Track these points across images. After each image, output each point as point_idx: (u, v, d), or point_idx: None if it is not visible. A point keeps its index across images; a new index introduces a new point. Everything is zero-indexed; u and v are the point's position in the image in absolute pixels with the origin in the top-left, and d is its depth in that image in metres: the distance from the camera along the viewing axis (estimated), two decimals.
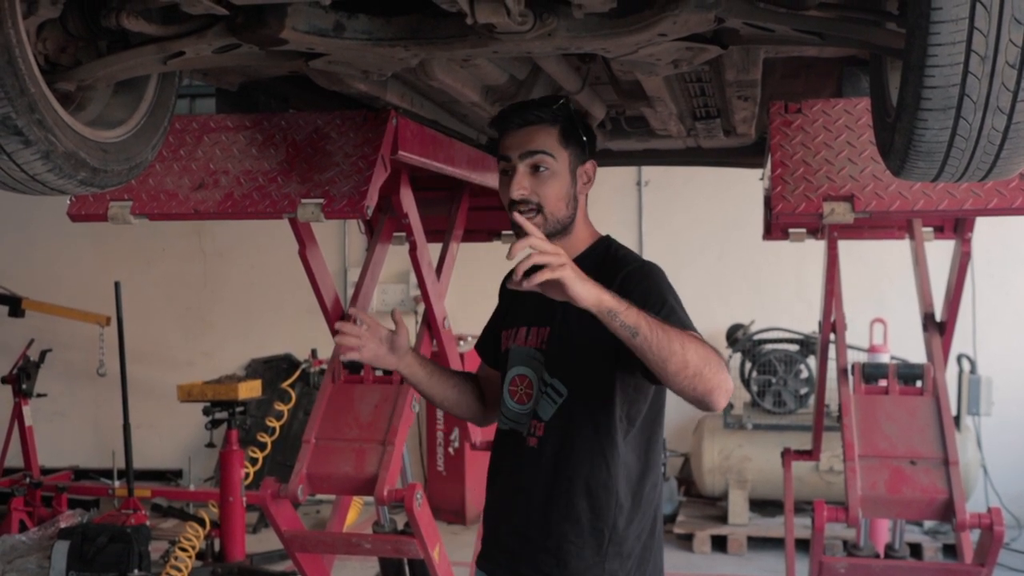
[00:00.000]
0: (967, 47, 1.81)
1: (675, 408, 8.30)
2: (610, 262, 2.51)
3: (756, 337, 7.60)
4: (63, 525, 6.21)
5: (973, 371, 7.25)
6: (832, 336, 4.65)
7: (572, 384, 2.42)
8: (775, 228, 3.91)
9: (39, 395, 8.02)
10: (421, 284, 4.17)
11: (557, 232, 2.47)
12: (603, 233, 2.67)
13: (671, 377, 2.10)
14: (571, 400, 2.41)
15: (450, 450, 8.18)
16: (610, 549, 2.38)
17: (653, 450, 2.50)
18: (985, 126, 1.94)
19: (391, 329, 2.58)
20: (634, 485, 2.43)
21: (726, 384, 2.14)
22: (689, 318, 2.37)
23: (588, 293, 2.03)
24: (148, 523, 6.48)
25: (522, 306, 2.57)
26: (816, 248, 5.10)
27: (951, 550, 6.76)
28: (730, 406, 7.58)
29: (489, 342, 2.79)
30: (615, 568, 2.39)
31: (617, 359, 2.32)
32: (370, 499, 3.81)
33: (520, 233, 2.24)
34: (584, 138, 2.53)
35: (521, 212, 2.41)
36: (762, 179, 4.79)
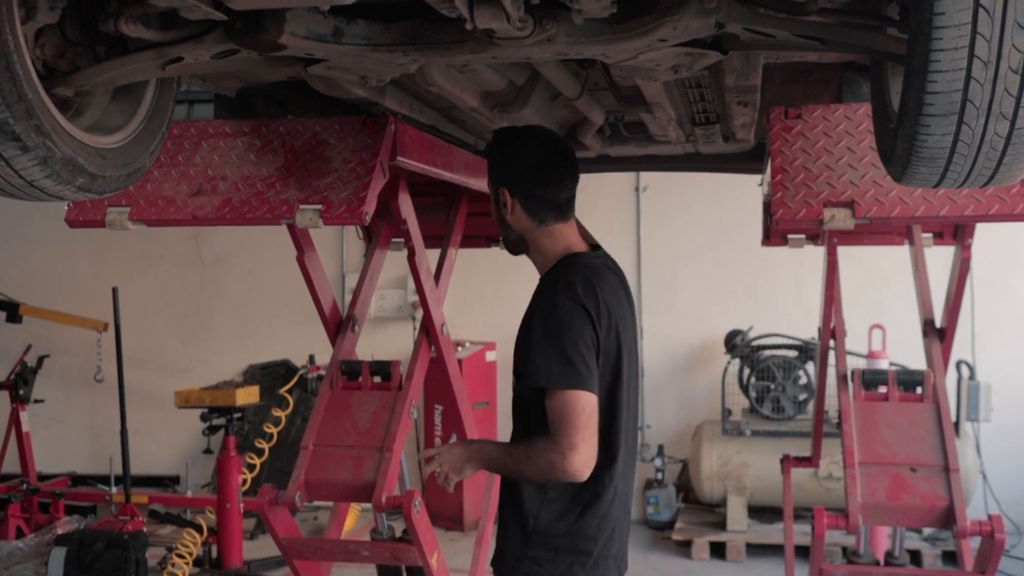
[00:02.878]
0: (970, 52, 1.80)
1: (673, 414, 8.28)
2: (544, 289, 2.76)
3: (755, 343, 7.59)
4: (60, 531, 6.20)
5: (972, 377, 7.24)
6: (831, 342, 4.64)
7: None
8: (774, 234, 3.90)
9: (36, 401, 8.01)
10: (419, 290, 4.16)
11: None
12: (589, 244, 2.84)
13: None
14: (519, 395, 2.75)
15: None
16: (533, 538, 2.67)
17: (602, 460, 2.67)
18: (988, 132, 1.93)
19: None
20: (573, 488, 2.64)
21: (563, 466, 2.53)
22: (554, 369, 2.57)
23: (465, 468, 2.74)
24: (145, 529, 6.46)
25: None
26: (814, 254, 5.09)
27: (950, 557, 6.76)
28: (728, 412, 7.57)
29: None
30: (539, 556, 2.66)
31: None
32: (368, 506, 3.78)
33: None
34: (505, 169, 2.82)
35: None
36: (761, 185, 4.78)
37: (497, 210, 2.78)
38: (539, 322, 2.61)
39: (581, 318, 2.58)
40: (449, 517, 8.09)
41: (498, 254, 6.03)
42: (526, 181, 2.73)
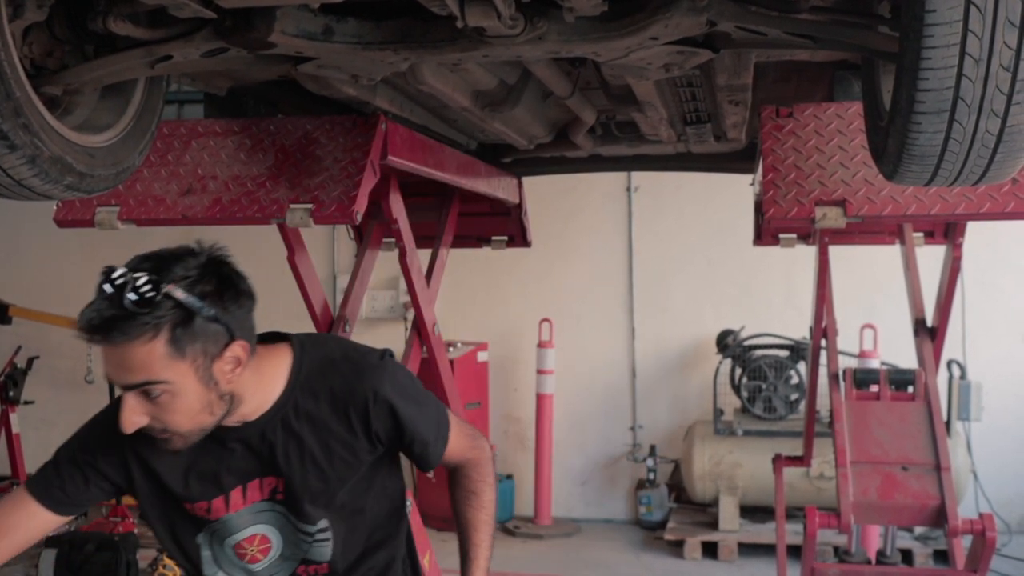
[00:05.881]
0: (961, 50, 1.80)
1: (665, 414, 8.29)
2: (323, 400, 2.11)
3: (746, 343, 7.59)
4: (50, 533, 6.17)
5: (963, 376, 7.25)
6: (823, 341, 4.65)
7: (340, 516, 2.20)
8: (766, 233, 3.91)
9: (26, 402, 7.97)
10: (411, 290, 4.15)
11: (213, 429, 2.04)
12: (292, 360, 2.12)
13: None
14: (346, 529, 2.23)
15: None
16: None
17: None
18: (979, 129, 1.93)
19: None
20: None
21: (487, 457, 2.36)
22: (442, 413, 2.28)
23: None
24: (136, 531, 6.43)
25: (208, 467, 2.12)
26: (805, 254, 5.09)
27: (942, 556, 6.76)
28: (720, 412, 7.57)
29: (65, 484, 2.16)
30: None
31: (377, 471, 2.23)
32: None
33: None
34: (217, 321, 1.92)
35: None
36: (753, 184, 4.78)
37: (209, 393, 1.96)
38: (410, 400, 2.20)
39: None
40: (441, 517, 8.06)
41: (490, 254, 6.04)
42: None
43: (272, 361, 2.10)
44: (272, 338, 2.17)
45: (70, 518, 2.31)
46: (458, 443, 2.30)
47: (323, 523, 2.18)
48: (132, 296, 1.83)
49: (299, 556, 2.21)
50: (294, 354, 2.13)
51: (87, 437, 2.17)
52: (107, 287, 1.85)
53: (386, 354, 2.19)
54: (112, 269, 1.88)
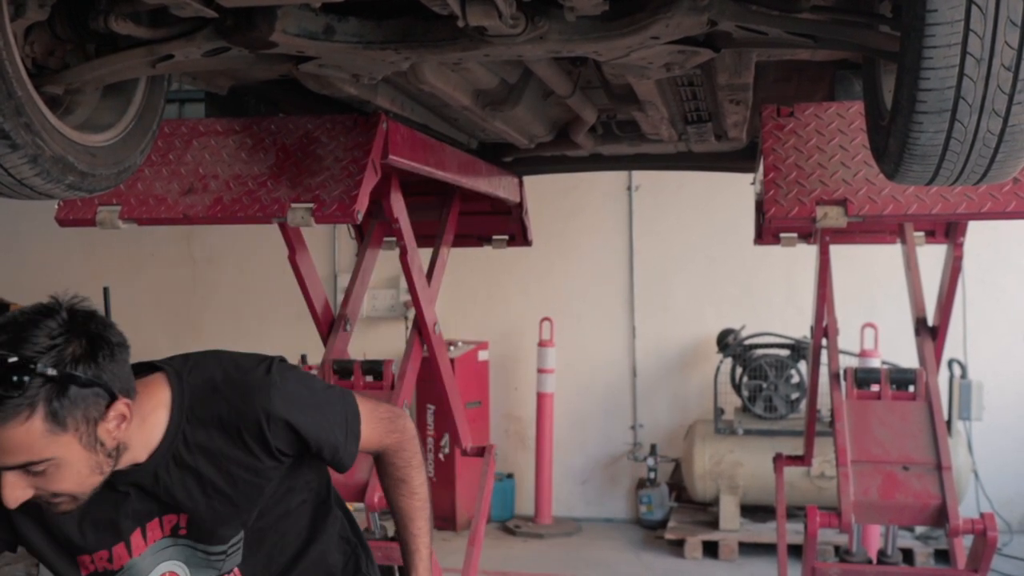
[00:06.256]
0: (962, 49, 1.79)
1: (666, 414, 8.29)
2: (213, 429, 2.01)
3: (747, 342, 7.59)
4: None
5: (964, 376, 7.25)
6: (824, 341, 4.65)
7: (259, 526, 2.16)
8: (767, 232, 3.91)
9: None
10: (412, 289, 4.15)
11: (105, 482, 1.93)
12: (171, 393, 2.01)
13: None
14: (246, 541, 2.16)
15: (440, 456, 8.15)
16: None
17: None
18: (980, 129, 1.93)
19: None
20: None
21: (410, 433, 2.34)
22: (349, 407, 2.19)
23: None
24: None
25: (103, 514, 2.03)
26: (806, 253, 5.09)
27: (943, 555, 6.76)
28: (721, 411, 7.57)
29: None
30: None
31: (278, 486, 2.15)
32: (360, 505, 3.77)
33: None
34: (95, 384, 1.80)
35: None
36: (754, 183, 4.78)
37: (96, 455, 1.85)
38: (302, 408, 2.12)
39: None
40: (441, 517, 8.07)
41: (491, 253, 6.04)
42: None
43: (151, 399, 1.97)
44: (143, 368, 2.02)
45: None
46: (373, 432, 2.23)
47: (236, 537, 2.12)
48: None
49: (213, 575, 2.14)
50: (172, 386, 2.00)
51: None
52: None
53: (272, 364, 2.06)
54: None
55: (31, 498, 1.84)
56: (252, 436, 2.00)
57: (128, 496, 2.01)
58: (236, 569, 2.17)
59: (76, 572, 2.07)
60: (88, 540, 2.03)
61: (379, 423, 2.26)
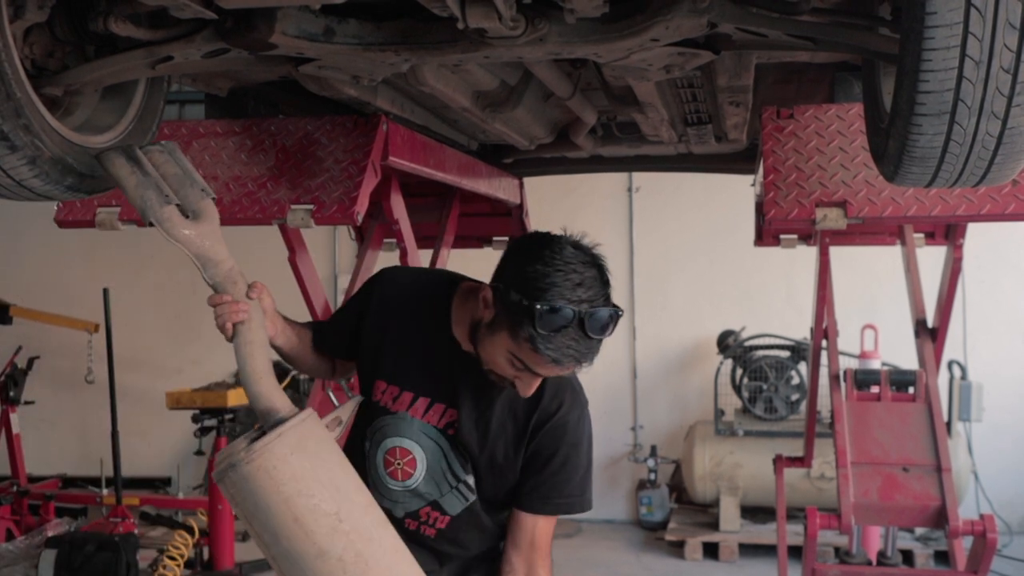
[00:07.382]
0: (962, 51, 1.79)
1: (666, 415, 8.26)
2: (528, 410, 2.41)
3: (747, 343, 7.59)
4: (50, 533, 6.17)
5: (964, 377, 7.26)
6: (824, 342, 4.65)
7: (485, 484, 2.39)
8: (767, 234, 3.91)
9: (27, 402, 7.97)
10: None
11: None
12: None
13: None
14: (478, 501, 2.41)
15: None
16: None
17: None
18: (980, 131, 1.93)
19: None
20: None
21: None
22: (575, 504, 2.42)
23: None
24: (136, 531, 6.42)
25: (407, 359, 2.40)
26: (806, 254, 5.09)
27: (942, 556, 6.76)
28: (721, 412, 7.57)
29: (338, 337, 2.56)
30: None
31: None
32: None
33: None
34: None
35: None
36: (753, 185, 4.78)
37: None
38: (587, 446, 2.43)
39: None
40: None
41: (491, 254, 6.02)
42: None
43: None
44: None
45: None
46: (545, 535, 2.37)
47: (471, 479, 2.35)
48: None
49: (432, 497, 2.36)
50: None
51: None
52: None
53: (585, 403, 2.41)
54: None
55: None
56: (536, 423, 2.35)
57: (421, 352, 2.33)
58: (442, 515, 2.38)
59: (370, 392, 2.39)
60: (397, 374, 2.36)
61: (549, 544, 2.40)
